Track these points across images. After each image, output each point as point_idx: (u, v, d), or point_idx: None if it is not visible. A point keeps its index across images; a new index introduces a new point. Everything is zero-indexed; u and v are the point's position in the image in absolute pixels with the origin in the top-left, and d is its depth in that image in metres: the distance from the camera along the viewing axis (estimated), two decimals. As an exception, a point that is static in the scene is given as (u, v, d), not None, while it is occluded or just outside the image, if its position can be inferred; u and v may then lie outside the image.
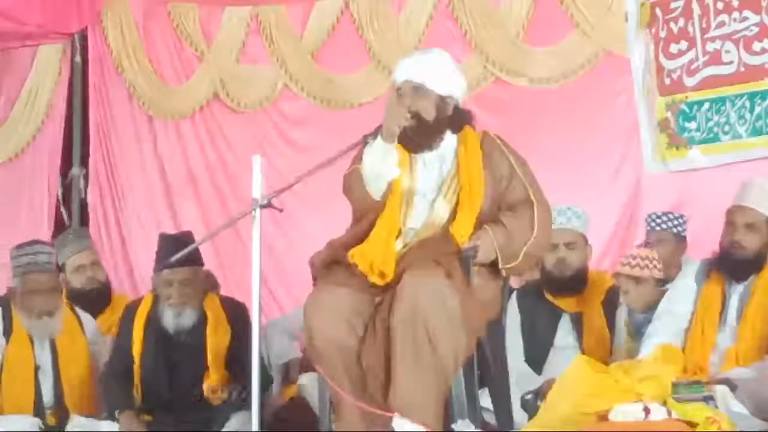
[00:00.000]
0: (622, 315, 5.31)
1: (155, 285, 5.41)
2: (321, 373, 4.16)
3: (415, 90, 4.33)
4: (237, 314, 5.35)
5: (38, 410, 5.27)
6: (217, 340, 5.27)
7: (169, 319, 5.30)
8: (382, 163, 4.28)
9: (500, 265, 4.25)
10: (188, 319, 5.30)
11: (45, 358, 5.35)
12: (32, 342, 5.35)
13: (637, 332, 5.16)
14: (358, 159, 4.36)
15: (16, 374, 5.30)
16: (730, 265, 4.85)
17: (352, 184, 4.35)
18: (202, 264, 5.46)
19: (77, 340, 5.48)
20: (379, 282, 4.15)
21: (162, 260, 5.23)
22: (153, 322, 5.32)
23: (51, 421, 5.27)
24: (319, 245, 5.03)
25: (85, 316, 5.64)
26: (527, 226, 4.27)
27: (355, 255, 4.20)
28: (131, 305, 5.50)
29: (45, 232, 7.83)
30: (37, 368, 5.32)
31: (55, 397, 5.33)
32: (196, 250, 5.19)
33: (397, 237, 4.27)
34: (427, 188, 4.34)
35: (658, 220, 5.95)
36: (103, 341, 5.64)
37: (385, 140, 4.25)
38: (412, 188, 4.34)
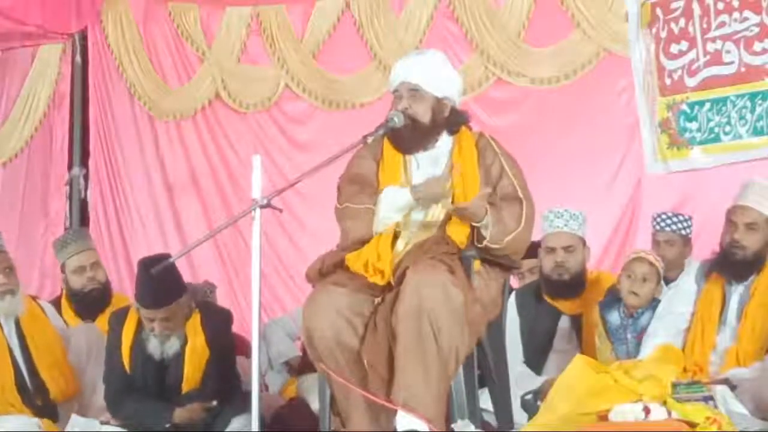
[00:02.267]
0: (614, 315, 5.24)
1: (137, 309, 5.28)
2: (324, 369, 4.14)
3: (412, 92, 4.33)
4: (215, 333, 5.26)
5: (22, 389, 5.25)
6: (192, 368, 5.20)
7: (155, 347, 5.21)
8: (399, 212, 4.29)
9: (485, 241, 4.19)
10: (173, 347, 5.21)
11: (12, 339, 5.34)
12: None
13: (613, 334, 5.15)
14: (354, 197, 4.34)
15: None
16: (731, 265, 4.84)
17: (344, 219, 4.36)
18: (184, 292, 5.25)
19: (43, 323, 5.48)
20: (379, 281, 4.14)
21: (139, 297, 5.16)
22: (139, 343, 5.23)
23: (37, 401, 5.26)
24: (320, 243, 5.03)
25: (46, 305, 5.69)
26: (516, 218, 4.25)
27: (350, 259, 4.20)
28: (116, 318, 5.34)
29: (43, 231, 7.88)
30: (11, 348, 5.32)
31: (30, 376, 5.32)
32: (178, 281, 5.17)
33: (396, 238, 4.26)
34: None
35: (668, 221, 5.89)
36: (67, 329, 5.64)
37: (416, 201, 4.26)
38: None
